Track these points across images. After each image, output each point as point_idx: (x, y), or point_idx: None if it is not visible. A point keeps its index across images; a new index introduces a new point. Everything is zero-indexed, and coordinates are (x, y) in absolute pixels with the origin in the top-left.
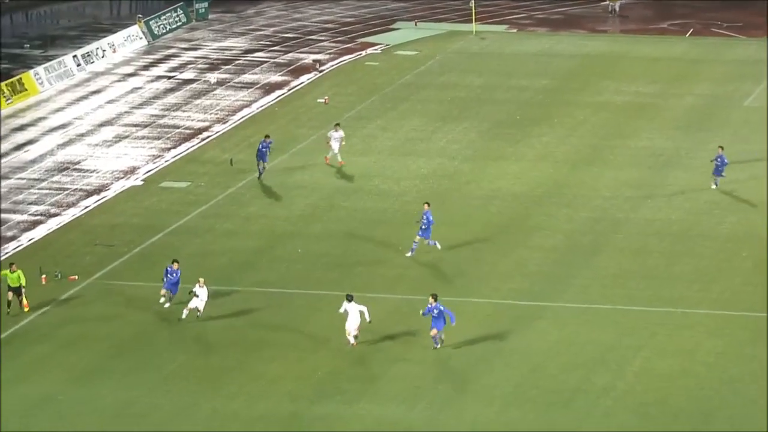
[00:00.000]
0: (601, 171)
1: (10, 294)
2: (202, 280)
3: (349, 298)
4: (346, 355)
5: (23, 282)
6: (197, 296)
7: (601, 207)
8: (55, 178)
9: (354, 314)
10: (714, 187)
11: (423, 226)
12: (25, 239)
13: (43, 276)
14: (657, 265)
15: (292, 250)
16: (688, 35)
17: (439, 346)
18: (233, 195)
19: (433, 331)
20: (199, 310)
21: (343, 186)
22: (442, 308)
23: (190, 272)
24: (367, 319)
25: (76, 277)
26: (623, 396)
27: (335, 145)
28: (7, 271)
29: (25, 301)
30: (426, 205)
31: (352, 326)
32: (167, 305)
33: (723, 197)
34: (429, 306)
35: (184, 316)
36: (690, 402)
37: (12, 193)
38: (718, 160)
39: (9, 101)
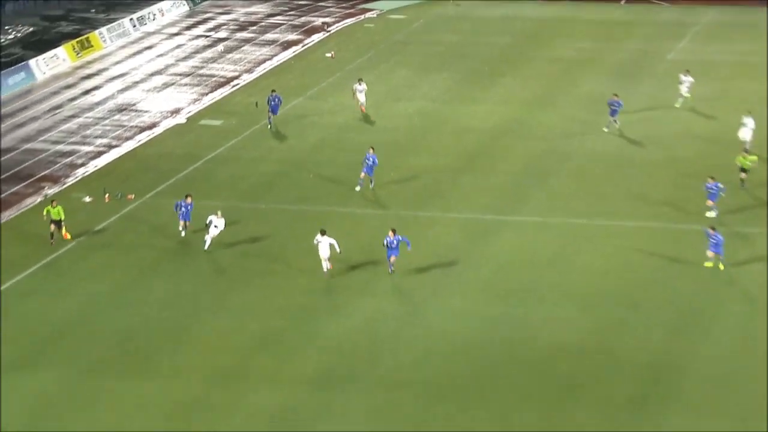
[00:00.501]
0: (553, 111)
1: (53, 226)
2: (219, 212)
3: (322, 232)
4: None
5: (62, 216)
6: (216, 227)
7: (553, 140)
8: (116, 117)
9: (325, 245)
10: (605, 129)
11: (368, 164)
12: (92, 166)
13: (107, 195)
14: (596, 186)
15: (306, 174)
16: (623, 2)
17: (392, 270)
18: (258, 131)
19: (392, 259)
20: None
21: (346, 123)
22: (400, 239)
23: (224, 191)
24: (338, 251)
25: (133, 196)
26: (569, 289)
27: (361, 97)
28: (50, 207)
29: (64, 232)
30: (371, 149)
31: (324, 255)
32: (183, 234)
33: (648, 131)
34: (388, 238)
35: (207, 247)
36: (622, 293)
37: (81, 129)
38: (615, 105)
39: (79, 55)
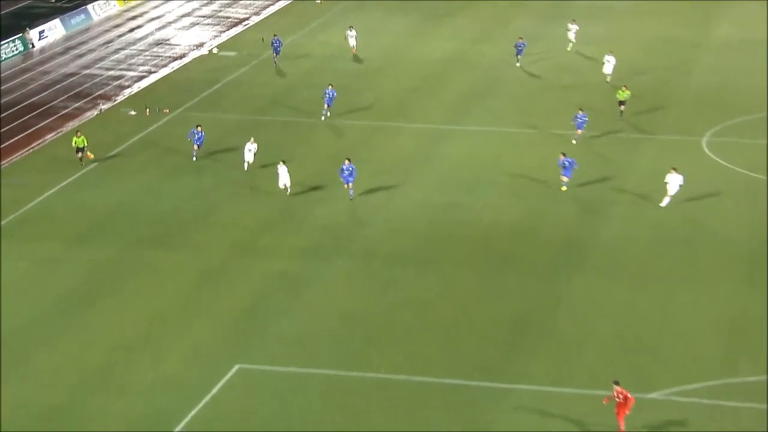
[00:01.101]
0: (492, 45)
1: (79, 153)
2: (252, 138)
3: (283, 162)
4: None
5: (86, 143)
6: (250, 150)
7: (490, 68)
8: (154, 49)
9: (284, 173)
10: (518, 65)
11: (327, 98)
12: (135, 87)
13: (147, 110)
14: (526, 102)
15: (300, 94)
16: None
17: (353, 196)
18: (264, 60)
19: (349, 185)
20: (249, 162)
21: (332, 54)
22: (352, 168)
23: (237, 107)
24: (288, 185)
25: (168, 110)
26: (505, 182)
27: (352, 41)
28: (75, 137)
29: (89, 153)
30: (330, 85)
31: (283, 182)
32: (195, 158)
33: (568, 62)
34: (344, 165)
35: (246, 168)
36: (545, 186)
37: (127, 58)
38: (520, 46)
39: (125, 1)
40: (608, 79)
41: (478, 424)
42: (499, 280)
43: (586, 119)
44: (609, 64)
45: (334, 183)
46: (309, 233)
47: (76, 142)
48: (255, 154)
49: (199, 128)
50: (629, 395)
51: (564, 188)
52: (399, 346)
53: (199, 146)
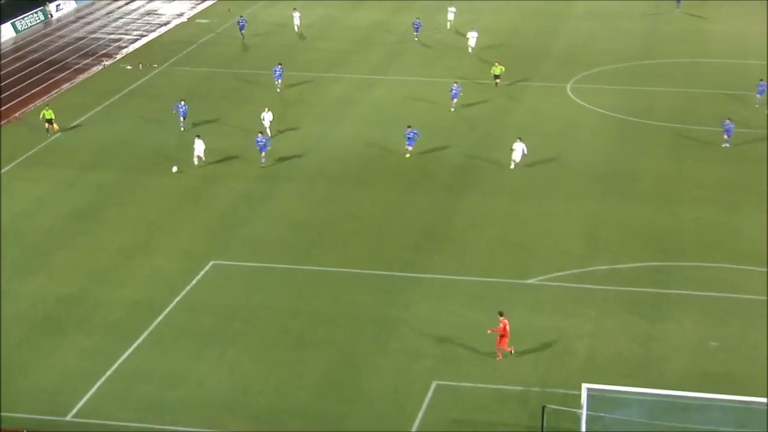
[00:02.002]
0: (406, 15)
1: (47, 124)
2: (267, 107)
3: (198, 136)
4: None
5: (54, 116)
6: (265, 118)
7: (405, 33)
8: (145, 18)
9: (199, 146)
10: (416, 39)
11: (277, 74)
12: (131, 48)
13: (140, 65)
14: (430, 60)
15: (256, 52)
16: None
17: (264, 162)
18: (229, 26)
19: (263, 153)
20: (267, 127)
21: (282, 22)
22: (266, 139)
23: (210, 62)
24: (202, 156)
25: (156, 65)
26: (417, 118)
27: (296, 21)
28: (44, 110)
29: (55, 126)
30: (279, 63)
31: (197, 153)
32: (183, 128)
33: (448, 38)
34: (257, 138)
35: (270, 134)
36: (446, 122)
37: (124, 25)
38: (416, 25)
39: None
40: (470, 50)
41: (399, 304)
42: (413, 195)
43: (460, 90)
44: (472, 39)
45: (285, 124)
46: (268, 162)
47: (44, 114)
48: (271, 121)
49: (183, 102)
50: (507, 326)
51: (408, 156)
52: (337, 247)
53: (184, 118)
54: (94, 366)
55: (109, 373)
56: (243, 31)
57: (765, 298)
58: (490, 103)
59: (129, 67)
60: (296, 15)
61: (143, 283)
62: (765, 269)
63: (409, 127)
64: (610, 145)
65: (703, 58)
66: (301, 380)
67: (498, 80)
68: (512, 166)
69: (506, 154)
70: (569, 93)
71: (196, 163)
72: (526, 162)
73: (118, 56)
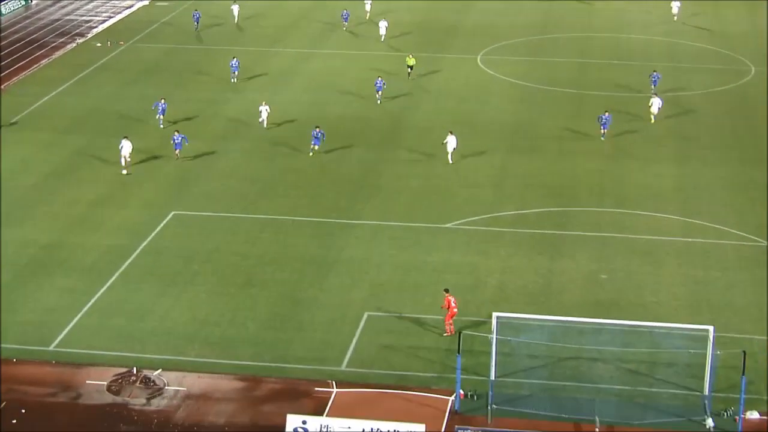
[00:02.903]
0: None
1: None
2: (264, 102)
3: (126, 137)
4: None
5: None
6: (263, 110)
7: (337, 15)
8: (113, 2)
9: (127, 146)
10: (344, 29)
11: (234, 67)
12: (100, 27)
13: (108, 42)
14: (357, 39)
15: (213, 31)
16: None
17: (177, 157)
18: (185, 10)
19: (177, 152)
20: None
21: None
22: (182, 137)
23: (171, 38)
24: (127, 157)
25: (123, 42)
26: (346, 85)
27: (235, 12)
28: None
29: None
30: (234, 57)
31: (124, 154)
32: (162, 126)
33: (366, 27)
34: (174, 136)
35: (265, 125)
36: (369, 88)
37: (94, 8)
38: (345, 15)
39: None
40: (382, 39)
41: (335, 247)
42: (346, 151)
43: (384, 83)
44: (382, 27)
45: (232, 91)
46: (221, 124)
47: None
48: (269, 113)
49: (163, 100)
50: (453, 303)
51: (311, 154)
52: (282, 197)
53: (162, 115)
54: (73, 303)
55: (85, 308)
56: (198, 23)
57: (647, 237)
58: (417, 76)
59: (99, 45)
60: (235, 8)
61: (114, 231)
62: (647, 213)
63: (317, 127)
64: (515, 108)
65: (594, 33)
66: (252, 313)
67: (411, 70)
68: (450, 161)
69: (421, 116)
70: (479, 63)
71: (123, 164)
72: (442, 123)
73: (90, 35)
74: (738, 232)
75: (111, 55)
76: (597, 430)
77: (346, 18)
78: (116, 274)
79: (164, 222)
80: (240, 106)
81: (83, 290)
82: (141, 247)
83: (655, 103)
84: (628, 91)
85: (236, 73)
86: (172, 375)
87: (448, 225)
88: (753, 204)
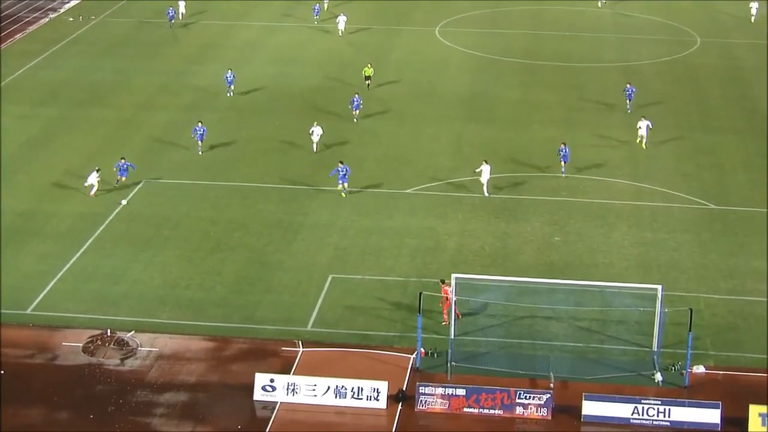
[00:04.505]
0: None
1: None
2: (316, 122)
3: (97, 169)
4: None
5: None
6: (313, 132)
7: None
8: None
9: (92, 178)
10: (315, 22)
11: (228, 81)
12: (73, 2)
13: (80, 17)
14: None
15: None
16: None
17: (117, 185)
18: None
19: (122, 178)
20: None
21: None
22: (127, 165)
23: (138, 14)
24: (95, 187)
25: (94, 17)
26: (309, 58)
27: (182, 9)
28: None
29: None
30: (229, 70)
31: (90, 182)
32: (200, 152)
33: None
34: (118, 163)
35: (315, 150)
36: (332, 60)
37: None
38: (315, 9)
39: None
40: (341, 33)
41: (300, 212)
42: (311, 121)
43: (360, 101)
44: (341, 23)
45: (200, 63)
46: (188, 95)
47: None
48: (321, 136)
49: (200, 124)
50: (447, 292)
51: (344, 195)
52: (250, 165)
53: (201, 141)
54: (49, 268)
55: (61, 273)
56: (172, 21)
57: (599, 201)
58: (374, 42)
59: (71, 19)
60: (182, 4)
61: (88, 198)
62: (599, 178)
63: (341, 162)
64: (472, 78)
65: (546, 6)
66: (220, 277)
67: (369, 81)
68: (486, 194)
69: (384, 89)
70: (437, 35)
71: (92, 193)
72: (404, 92)
73: (62, 10)
74: (685, 196)
75: (83, 29)
76: (551, 385)
77: (317, 12)
78: (90, 241)
79: (136, 189)
80: (208, 78)
81: (58, 256)
82: (113, 215)
83: (643, 126)
84: (579, 62)
85: (232, 87)
86: (144, 336)
87: (408, 191)
88: (699, 169)
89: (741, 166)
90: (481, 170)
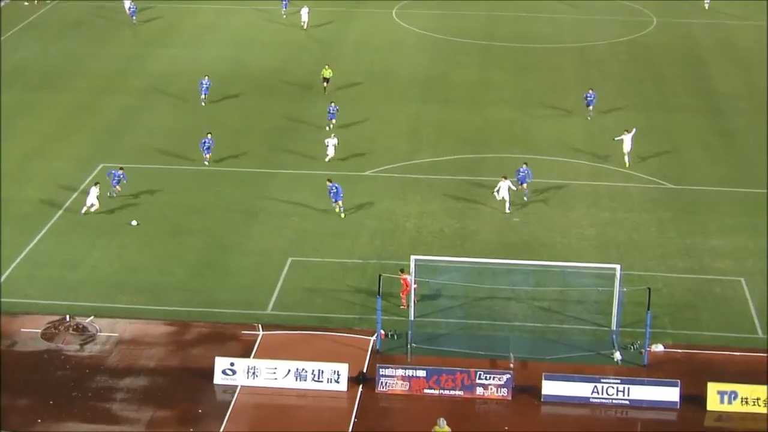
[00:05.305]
0: None
1: None
2: (333, 133)
3: (96, 183)
4: None
5: None
6: (329, 144)
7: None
8: None
9: (93, 192)
10: (283, 16)
11: (204, 88)
12: None
13: (36, 1)
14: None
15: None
16: None
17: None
18: None
19: (91, 206)
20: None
21: None
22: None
23: None
24: (96, 204)
25: (49, 0)
26: (268, 43)
27: (127, 6)
28: None
29: None
30: (206, 77)
31: (90, 202)
32: (207, 164)
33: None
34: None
35: (327, 160)
36: (288, 40)
37: None
38: (284, 4)
39: None
40: (305, 27)
41: (258, 196)
42: (269, 103)
43: (337, 109)
44: (304, 14)
45: (157, 46)
46: (147, 80)
47: None
48: (335, 146)
49: (209, 136)
50: (407, 280)
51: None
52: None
53: (209, 154)
54: (7, 253)
55: (18, 259)
56: (134, 17)
57: (557, 181)
58: (335, 30)
59: (26, 3)
60: (127, 3)
61: (44, 183)
62: (557, 158)
63: (329, 181)
64: (429, 59)
65: None
66: (180, 260)
67: (327, 84)
68: (508, 210)
69: (345, 66)
70: (394, 17)
71: (92, 210)
72: (360, 76)
73: None
74: (642, 176)
75: (38, 13)
76: (511, 365)
77: (285, 5)
78: (47, 226)
79: (93, 174)
80: (164, 62)
81: (16, 242)
82: (70, 200)
83: (627, 141)
84: (536, 42)
85: (205, 96)
86: (104, 321)
87: (366, 173)
88: (656, 148)
89: (698, 145)
90: (500, 187)
